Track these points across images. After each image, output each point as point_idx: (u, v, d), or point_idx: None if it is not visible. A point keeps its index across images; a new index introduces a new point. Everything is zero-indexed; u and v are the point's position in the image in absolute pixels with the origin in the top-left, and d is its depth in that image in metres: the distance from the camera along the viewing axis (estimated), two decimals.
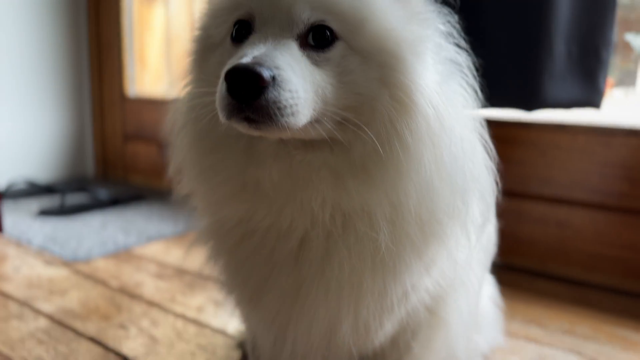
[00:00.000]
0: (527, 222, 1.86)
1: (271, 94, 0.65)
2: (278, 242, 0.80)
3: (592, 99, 1.65)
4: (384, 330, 0.87)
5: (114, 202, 2.65)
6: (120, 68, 3.14)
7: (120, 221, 2.38)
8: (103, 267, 1.88)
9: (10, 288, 1.68)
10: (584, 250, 1.78)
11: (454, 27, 0.81)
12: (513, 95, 1.63)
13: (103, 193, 2.71)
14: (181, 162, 0.87)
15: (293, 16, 0.71)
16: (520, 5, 1.59)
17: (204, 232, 0.92)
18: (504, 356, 1.32)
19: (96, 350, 1.33)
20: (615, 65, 2.06)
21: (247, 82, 0.64)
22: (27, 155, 3.04)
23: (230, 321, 1.46)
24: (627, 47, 2.06)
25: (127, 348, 1.33)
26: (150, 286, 1.73)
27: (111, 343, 1.36)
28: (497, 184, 0.86)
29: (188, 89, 0.85)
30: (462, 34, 0.82)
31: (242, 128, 0.70)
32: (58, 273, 1.82)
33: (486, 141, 0.85)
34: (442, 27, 0.79)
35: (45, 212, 2.45)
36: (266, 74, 0.64)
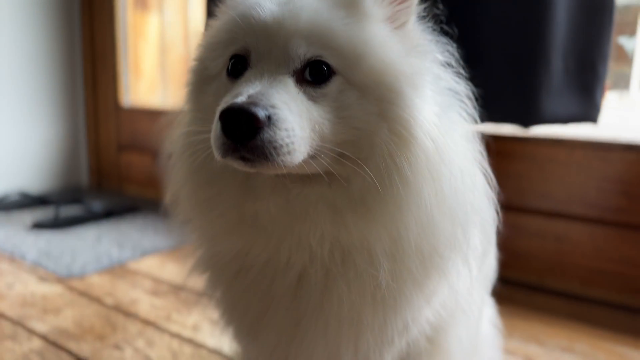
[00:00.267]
0: (524, 236, 1.85)
1: (267, 134, 0.64)
2: (276, 277, 0.79)
3: (589, 114, 1.65)
4: None
5: (108, 214, 2.63)
6: (115, 77, 3.12)
7: (115, 234, 2.36)
8: (98, 283, 1.86)
9: (3, 306, 1.66)
10: (582, 265, 1.77)
11: (453, 56, 0.80)
12: (511, 111, 1.62)
13: (97, 205, 2.69)
14: (177, 191, 0.85)
15: (289, 52, 0.70)
16: (518, 21, 1.59)
17: (200, 262, 0.90)
18: None
19: None
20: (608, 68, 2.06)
21: (242, 122, 0.63)
22: (20, 166, 3.01)
23: (226, 341, 1.44)
24: (621, 50, 2.06)
25: None
26: (145, 303, 1.71)
27: None
28: (497, 213, 0.85)
29: (185, 119, 0.84)
30: (461, 57, 0.81)
31: (237, 166, 0.69)
32: (52, 290, 1.79)
33: (486, 170, 0.84)
34: (440, 57, 0.78)
35: (39, 225, 2.43)
36: (261, 114, 0.63)
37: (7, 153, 2.94)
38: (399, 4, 0.77)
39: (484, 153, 0.84)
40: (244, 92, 0.66)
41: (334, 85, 0.71)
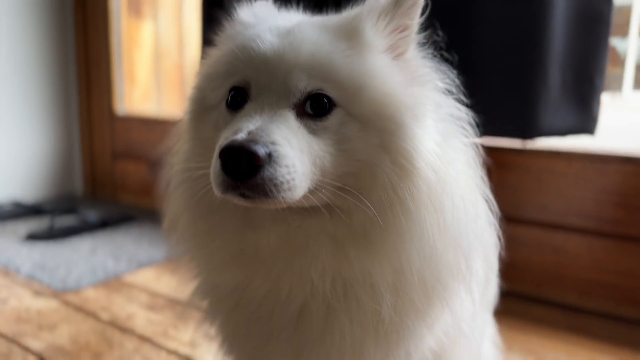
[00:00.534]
0: (522, 247, 1.85)
1: (267, 171, 0.63)
2: (276, 309, 0.78)
3: (587, 126, 1.65)
4: None
5: (103, 224, 2.61)
6: (109, 85, 3.10)
7: (110, 246, 2.34)
8: (93, 297, 1.84)
9: None
10: (579, 276, 1.77)
11: (453, 82, 0.79)
12: (509, 124, 1.62)
13: (92, 215, 2.67)
14: (175, 219, 0.84)
15: (290, 85, 0.69)
16: (515, 34, 1.58)
17: (199, 291, 0.89)
18: None
19: None
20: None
21: (242, 161, 0.62)
22: (14, 175, 2.99)
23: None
24: (613, 51, 2.06)
25: None
26: (141, 318, 1.69)
27: None
28: (499, 239, 0.84)
29: (183, 147, 0.83)
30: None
31: (237, 202, 0.68)
32: (47, 305, 1.78)
33: (488, 196, 0.83)
34: (441, 85, 0.78)
35: (33, 237, 2.41)
36: (261, 151, 0.62)
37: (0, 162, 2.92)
38: (399, 32, 0.76)
39: (485, 178, 0.83)
40: (244, 128, 0.65)
41: (334, 117, 0.70)
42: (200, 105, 0.80)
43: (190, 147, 0.80)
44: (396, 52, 0.76)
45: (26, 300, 1.81)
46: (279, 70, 0.70)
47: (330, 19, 0.79)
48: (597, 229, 1.72)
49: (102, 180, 3.25)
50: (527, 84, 1.59)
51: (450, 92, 0.79)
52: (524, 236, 1.84)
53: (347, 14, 0.79)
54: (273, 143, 0.64)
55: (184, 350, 1.49)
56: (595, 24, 1.62)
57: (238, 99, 0.73)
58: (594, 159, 1.70)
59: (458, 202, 0.74)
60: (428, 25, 0.80)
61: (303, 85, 0.69)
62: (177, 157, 0.84)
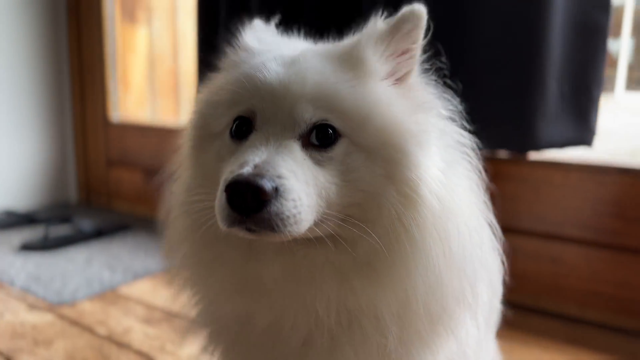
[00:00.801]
0: (520, 257, 1.85)
1: (274, 206, 0.62)
2: (280, 340, 0.77)
3: (584, 138, 1.66)
4: None
5: (99, 233, 2.58)
6: (103, 91, 3.08)
7: (105, 256, 2.32)
8: (89, 310, 1.83)
9: None
10: (577, 287, 1.77)
11: (457, 109, 0.79)
12: (507, 137, 1.62)
13: (87, 224, 2.64)
14: (175, 246, 0.83)
15: (295, 116, 0.69)
16: (513, 47, 1.58)
17: (200, 318, 0.88)
18: None
19: None
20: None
21: (248, 196, 0.61)
22: (6, 183, 2.96)
23: None
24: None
25: None
26: (138, 333, 1.68)
27: None
28: (503, 263, 0.84)
29: (185, 174, 0.81)
30: (462, 112, 0.80)
31: (242, 235, 0.67)
32: (43, 319, 1.76)
33: (491, 221, 0.82)
34: (444, 112, 0.77)
35: (27, 247, 2.38)
36: (268, 186, 0.61)
37: None
38: (399, 56, 0.76)
39: (489, 204, 0.83)
40: (250, 161, 0.64)
41: (340, 148, 0.69)
42: (202, 132, 0.79)
43: (191, 176, 0.79)
44: (398, 74, 0.76)
45: (21, 314, 1.79)
46: (285, 101, 0.69)
47: (333, 47, 0.78)
48: (595, 239, 1.72)
49: (96, 188, 3.23)
50: (524, 97, 1.59)
51: (453, 119, 0.78)
52: (521, 247, 1.84)
53: (349, 41, 0.79)
54: (279, 177, 0.63)
55: None
56: (592, 35, 1.62)
57: (243, 128, 0.72)
58: (592, 170, 1.70)
59: (463, 229, 0.73)
60: (431, 49, 0.79)
61: (309, 116, 0.69)
62: (178, 184, 0.83)
